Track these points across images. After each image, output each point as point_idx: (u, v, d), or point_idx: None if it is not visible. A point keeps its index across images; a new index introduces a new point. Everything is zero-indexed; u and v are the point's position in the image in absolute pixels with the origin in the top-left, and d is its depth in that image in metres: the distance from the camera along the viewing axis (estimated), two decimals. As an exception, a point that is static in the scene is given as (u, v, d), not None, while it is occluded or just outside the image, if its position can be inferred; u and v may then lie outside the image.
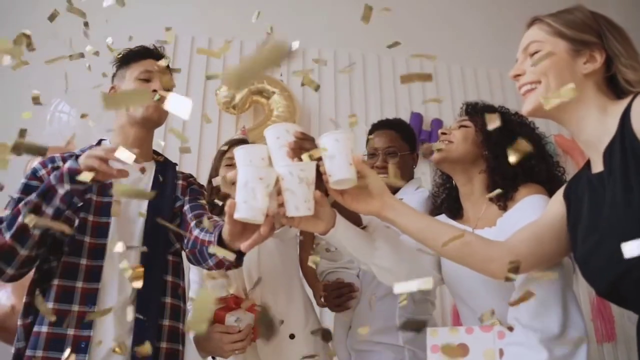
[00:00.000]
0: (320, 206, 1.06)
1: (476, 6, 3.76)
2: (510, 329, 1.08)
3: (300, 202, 0.99)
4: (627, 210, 0.87)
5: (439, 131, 1.39)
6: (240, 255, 1.15)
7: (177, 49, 3.12)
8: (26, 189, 1.27)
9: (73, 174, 1.14)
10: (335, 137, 1.01)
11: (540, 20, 1.06)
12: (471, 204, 1.35)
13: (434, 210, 1.48)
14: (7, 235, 1.16)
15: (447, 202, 1.42)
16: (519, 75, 1.05)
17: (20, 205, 1.18)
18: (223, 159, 1.72)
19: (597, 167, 0.99)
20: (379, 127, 1.91)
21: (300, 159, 1.02)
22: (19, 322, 1.26)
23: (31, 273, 1.30)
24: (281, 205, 1.02)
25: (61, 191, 1.16)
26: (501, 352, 1.08)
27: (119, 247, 1.03)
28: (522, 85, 1.04)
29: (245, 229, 1.03)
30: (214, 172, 1.75)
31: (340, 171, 1.01)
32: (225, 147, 1.74)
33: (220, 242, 1.15)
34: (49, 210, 1.16)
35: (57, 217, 1.17)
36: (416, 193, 1.72)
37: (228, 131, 2.98)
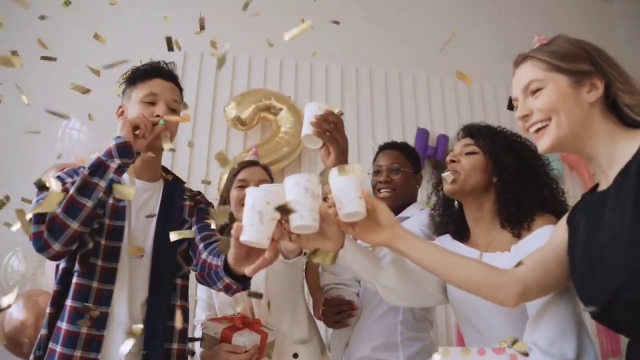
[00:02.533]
0: (328, 225, 1.07)
1: (484, 23, 3.80)
2: (525, 353, 1.09)
3: (305, 211, 0.98)
4: (632, 231, 0.88)
5: (447, 158, 1.38)
6: (245, 279, 1.17)
7: (186, 65, 3.16)
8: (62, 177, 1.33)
9: (121, 146, 1.25)
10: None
11: (532, 57, 1.07)
12: (480, 229, 1.35)
13: (437, 230, 1.49)
14: (58, 209, 1.20)
15: (452, 224, 1.42)
16: (526, 115, 1.05)
17: (67, 184, 1.25)
18: (235, 180, 1.74)
19: (603, 188, 1.01)
20: (385, 147, 1.99)
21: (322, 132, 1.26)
22: (42, 332, 1.29)
23: (54, 286, 1.33)
24: (286, 221, 1.01)
25: (113, 165, 1.25)
26: None
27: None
28: (532, 124, 1.05)
29: (250, 253, 1.03)
30: (226, 192, 1.78)
31: (350, 205, 1.02)
32: (237, 169, 1.77)
33: (226, 266, 1.16)
34: (103, 183, 1.23)
35: (109, 191, 1.24)
36: (422, 213, 1.74)
37: (236, 147, 3.01)
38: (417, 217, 1.72)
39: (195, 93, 3.10)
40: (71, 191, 1.21)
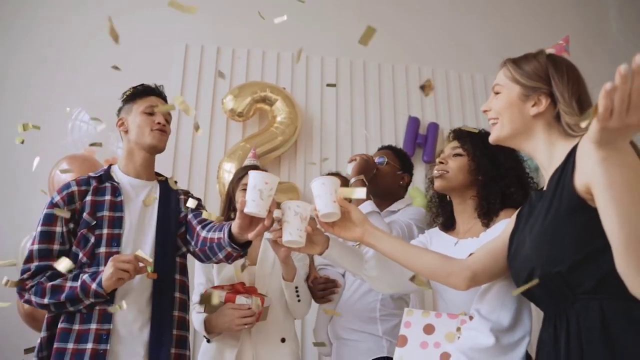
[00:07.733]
0: (315, 235, 1.31)
1: (475, 15, 3.89)
2: (471, 318, 1.27)
3: (293, 230, 1.24)
4: (542, 225, 1.06)
5: (437, 159, 1.58)
6: (245, 247, 1.42)
7: (188, 57, 3.29)
8: (47, 220, 1.54)
9: (99, 294, 1.43)
10: (322, 181, 1.27)
11: (505, 65, 1.25)
12: (462, 219, 1.55)
13: (431, 222, 1.69)
14: (34, 300, 1.47)
15: (442, 216, 1.62)
16: (486, 111, 1.26)
17: (48, 285, 1.46)
18: (239, 184, 1.95)
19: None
20: (381, 148, 2.25)
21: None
22: (47, 316, 1.50)
23: None
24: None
25: (87, 302, 1.45)
26: (458, 330, 1.28)
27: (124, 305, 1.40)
28: (489, 119, 1.25)
29: (252, 223, 1.30)
30: (231, 192, 1.99)
31: (326, 207, 1.25)
32: (241, 173, 1.98)
33: (230, 236, 1.41)
34: (71, 308, 1.46)
35: (76, 312, 1.47)
36: (408, 208, 2.02)
37: (235, 137, 3.17)
38: (403, 211, 1.99)
39: (196, 85, 3.23)
40: (45, 300, 1.44)
